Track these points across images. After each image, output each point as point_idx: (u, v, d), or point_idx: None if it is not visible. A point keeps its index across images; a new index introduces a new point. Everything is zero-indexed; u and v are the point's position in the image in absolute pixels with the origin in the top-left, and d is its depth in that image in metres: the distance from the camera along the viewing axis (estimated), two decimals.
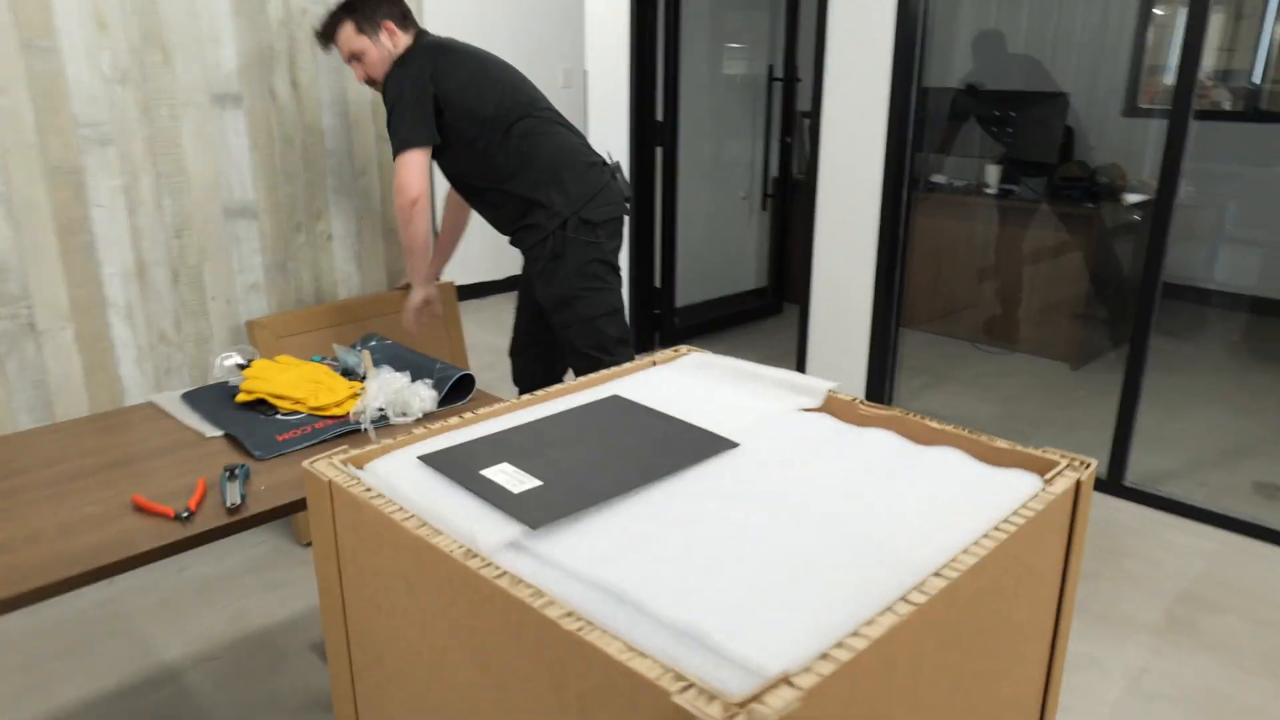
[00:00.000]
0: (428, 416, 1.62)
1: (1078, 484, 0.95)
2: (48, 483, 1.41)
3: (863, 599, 0.73)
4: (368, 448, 1.06)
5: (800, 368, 3.58)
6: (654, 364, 1.36)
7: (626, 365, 1.33)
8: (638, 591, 0.75)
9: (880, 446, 1.05)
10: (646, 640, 0.69)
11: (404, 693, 0.96)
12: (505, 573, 0.79)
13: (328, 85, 2.61)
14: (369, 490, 0.95)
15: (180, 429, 1.61)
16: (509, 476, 0.97)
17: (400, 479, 0.98)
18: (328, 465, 1.01)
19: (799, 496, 0.92)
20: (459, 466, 0.99)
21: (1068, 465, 0.98)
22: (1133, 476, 2.94)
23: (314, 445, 1.52)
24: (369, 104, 2.69)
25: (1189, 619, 2.28)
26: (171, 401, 1.71)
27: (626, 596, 0.75)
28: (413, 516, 0.89)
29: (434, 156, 2.26)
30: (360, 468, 1.03)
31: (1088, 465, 0.98)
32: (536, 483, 0.95)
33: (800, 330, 3.52)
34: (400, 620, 0.92)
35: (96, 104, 2.21)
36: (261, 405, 1.65)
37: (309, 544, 2.64)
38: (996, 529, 0.85)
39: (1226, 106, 4.49)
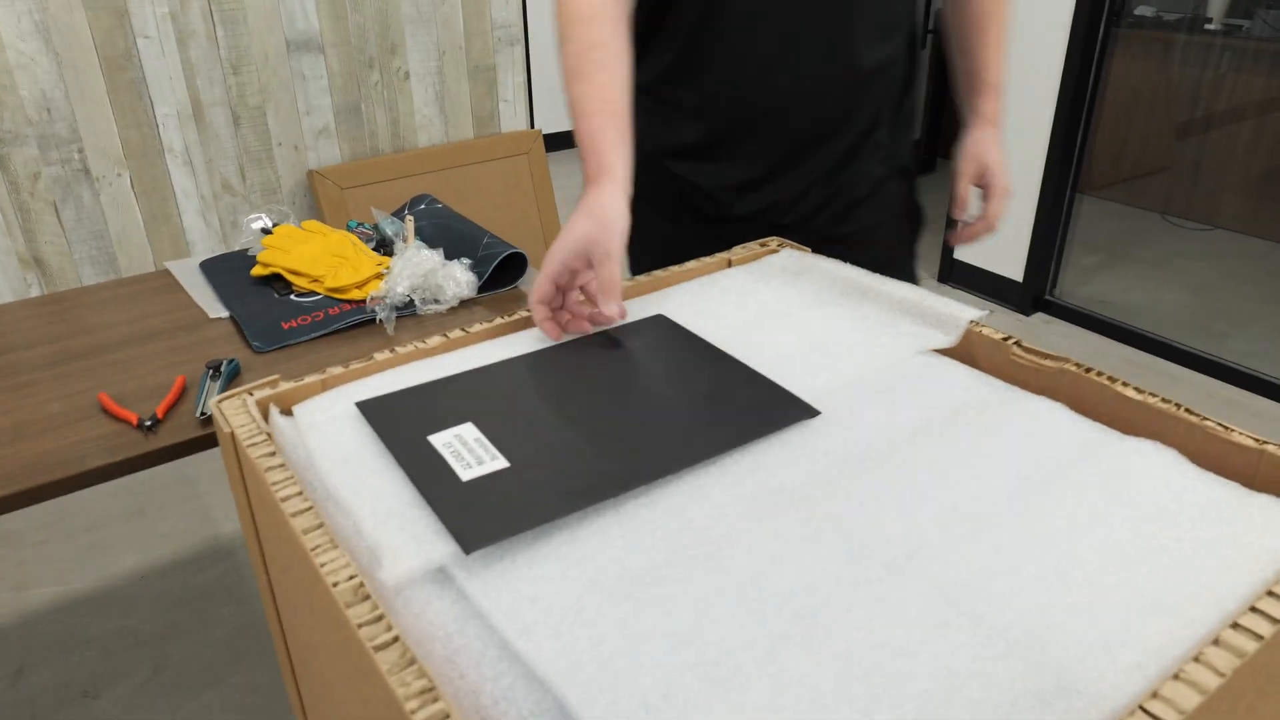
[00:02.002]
0: (464, 305, 1.34)
1: None
2: (22, 368, 1.22)
3: None
4: (305, 380, 0.77)
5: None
6: (729, 263, 1.00)
7: (690, 265, 0.98)
8: (603, 708, 0.45)
9: (1043, 433, 0.68)
10: None
11: (311, 667, 0.71)
12: (395, 638, 0.49)
13: None
14: (273, 456, 0.67)
15: (186, 306, 1.38)
16: (465, 448, 0.67)
17: (322, 437, 0.69)
18: (239, 406, 0.74)
19: (901, 530, 0.58)
20: (402, 424, 0.70)
21: None
22: None
23: (323, 336, 1.27)
24: None
25: None
26: (187, 270, 1.49)
27: (578, 715, 0.45)
28: (310, 509, 0.60)
29: None
30: (288, 411, 0.75)
31: None
32: (501, 463, 0.64)
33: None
34: (305, 616, 0.66)
35: None
36: (279, 281, 1.40)
37: None
38: (1239, 622, 0.49)
39: None
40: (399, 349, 0.81)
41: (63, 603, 1.84)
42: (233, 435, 0.70)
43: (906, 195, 1.23)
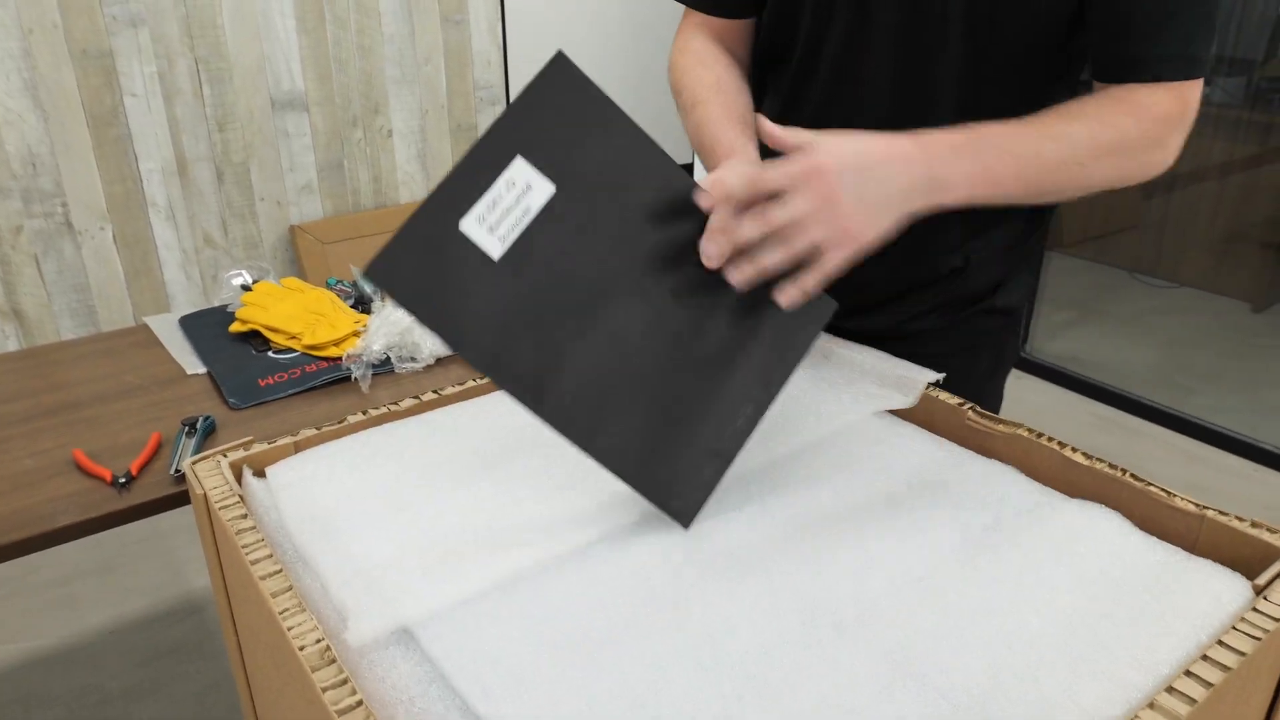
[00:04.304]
0: (440, 362, 1.35)
1: None
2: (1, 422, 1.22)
3: None
4: (278, 442, 0.79)
5: None
6: None
7: None
8: None
9: (993, 496, 0.70)
10: None
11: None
12: (359, 702, 0.50)
13: None
14: (245, 519, 0.68)
15: (163, 361, 1.39)
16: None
17: (294, 498, 0.71)
18: (213, 468, 0.75)
19: (852, 592, 0.60)
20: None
21: None
22: None
23: (299, 393, 1.28)
24: None
25: None
26: (165, 325, 1.50)
27: None
28: (279, 572, 0.62)
29: None
30: (261, 472, 0.76)
31: None
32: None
33: None
34: (272, 678, 0.67)
35: None
36: (257, 338, 1.41)
37: None
38: (1173, 686, 0.51)
39: None
40: (372, 410, 0.83)
41: (29, 659, 1.81)
42: (205, 497, 0.72)
43: (996, 331, 1.02)
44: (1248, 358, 3.11)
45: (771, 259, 0.68)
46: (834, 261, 0.69)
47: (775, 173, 0.67)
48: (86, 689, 1.75)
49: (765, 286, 0.70)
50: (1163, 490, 0.68)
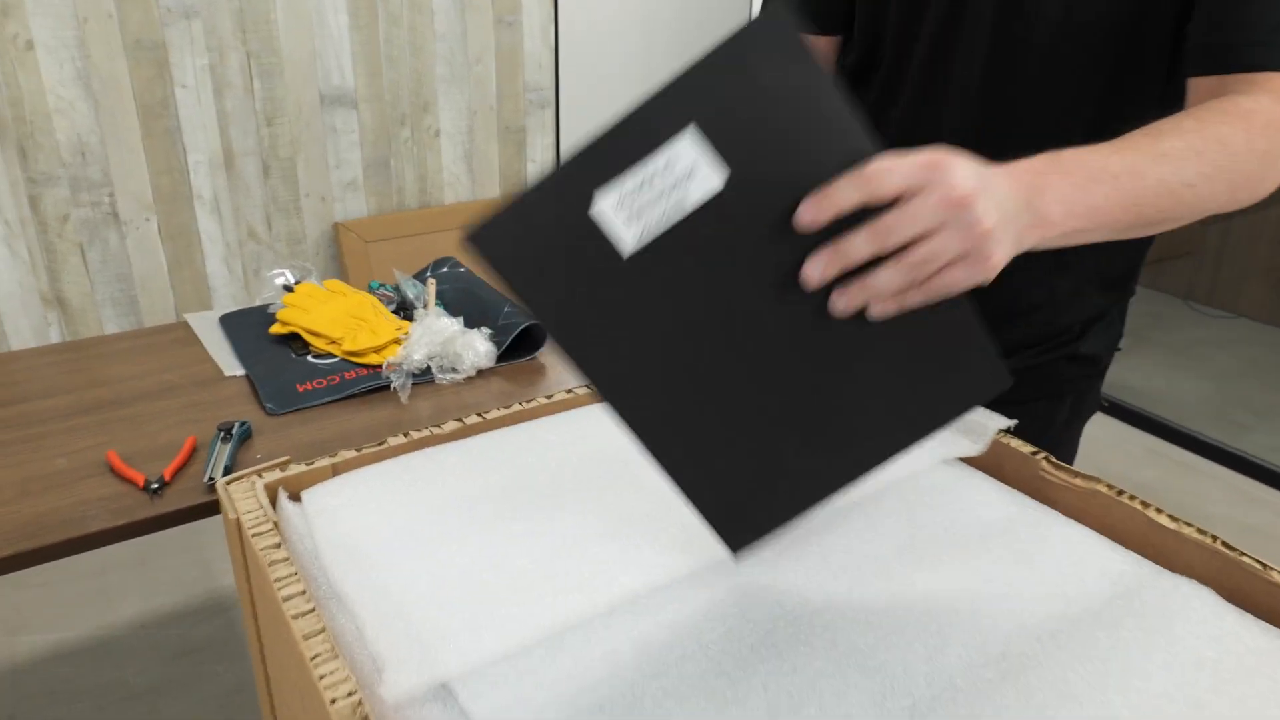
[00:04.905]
0: (481, 374, 1.32)
1: None
2: (37, 419, 1.21)
3: None
4: (316, 463, 0.76)
5: None
6: None
7: None
8: None
9: (1076, 565, 0.65)
10: None
11: None
12: None
13: None
14: (278, 548, 0.65)
15: (202, 361, 1.38)
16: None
17: (330, 526, 0.68)
18: (247, 489, 0.72)
19: (926, 670, 0.55)
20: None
21: None
22: None
23: (338, 400, 1.25)
24: None
25: None
26: (206, 324, 1.49)
27: None
28: (312, 611, 0.58)
29: None
30: (296, 496, 0.73)
31: None
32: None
33: None
34: (299, 715, 0.64)
35: None
36: (297, 340, 1.39)
37: None
38: None
39: None
40: (414, 433, 0.80)
41: (58, 651, 1.81)
42: (238, 522, 0.69)
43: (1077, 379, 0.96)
44: None
45: (889, 282, 0.53)
46: (960, 284, 0.54)
47: (892, 164, 0.52)
48: (115, 683, 1.74)
49: (930, 334, 0.58)
50: (1257, 562, 0.63)
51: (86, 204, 2.04)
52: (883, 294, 0.54)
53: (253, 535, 0.66)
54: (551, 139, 2.51)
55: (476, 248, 0.52)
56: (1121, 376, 3.06)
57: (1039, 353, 0.93)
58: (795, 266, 0.54)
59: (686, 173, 0.51)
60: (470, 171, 2.47)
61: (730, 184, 0.51)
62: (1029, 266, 0.85)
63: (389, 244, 2.24)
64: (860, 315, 0.56)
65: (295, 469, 0.75)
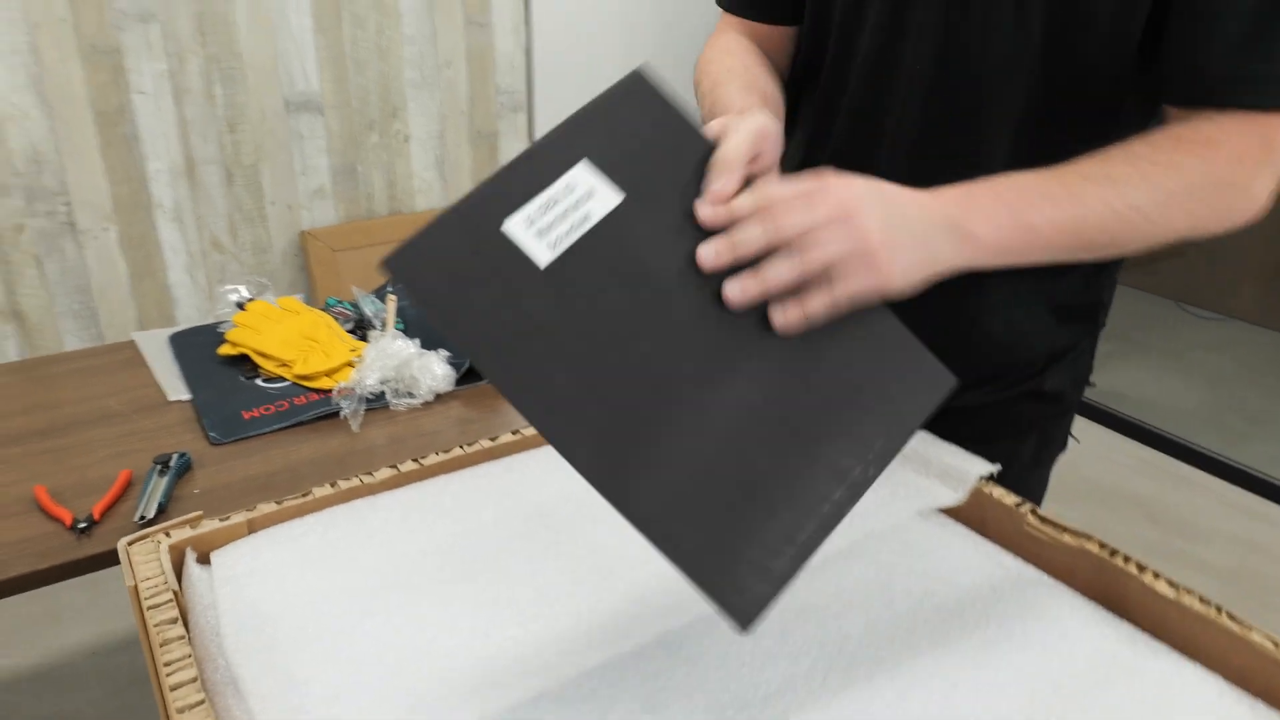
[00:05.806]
0: (440, 399, 1.26)
1: None
2: None
3: None
4: (231, 519, 0.69)
5: None
6: None
7: None
8: None
9: (1064, 640, 0.59)
10: None
11: None
12: None
13: None
14: (175, 624, 0.58)
15: (147, 384, 1.30)
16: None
17: (237, 597, 0.61)
18: (150, 551, 0.65)
19: None
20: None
21: None
22: None
23: (285, 428, 1.18)
24: None
25: None
26: (154, 343, 1.42)
27: None
28: (201, 704, 0.52)
29: None
30: (206, 559, 0.67)
31: None
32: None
33: None
34: None
35: None
36: (247, 362, 1.32)
37: None
38: None
39: None
40: (341, 483, 0.73)
41: (4, 679, 1.73)
42: (136, 589, 0.62)
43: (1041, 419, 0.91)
44: None
45: (778, 273, 0.55)
46: (851, 287, 0.56)
47: (786, 183, 0.57)
48: (64, 714, 1.67)
49: (861, 343, 0.59)
50: (1269, 639, 0.57)
51: (42, 214, 1.96)
52: (774, 285, 0.55)
53: (148, 608, 0.60)
54: (525, 142, 2.44)
55: (393, 272, 0.51)
56: (1112, 382, 3.00)
57: (999, 389, 0.87)
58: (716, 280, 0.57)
59: (587, 193, 0.55)
60: (442, 177, 2.40)
61: (627, 199, 0.56)
62: (983, 295, 0.80)
63: (358, 253, 2.17)
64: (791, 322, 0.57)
65: (208, 525, 0.68)
